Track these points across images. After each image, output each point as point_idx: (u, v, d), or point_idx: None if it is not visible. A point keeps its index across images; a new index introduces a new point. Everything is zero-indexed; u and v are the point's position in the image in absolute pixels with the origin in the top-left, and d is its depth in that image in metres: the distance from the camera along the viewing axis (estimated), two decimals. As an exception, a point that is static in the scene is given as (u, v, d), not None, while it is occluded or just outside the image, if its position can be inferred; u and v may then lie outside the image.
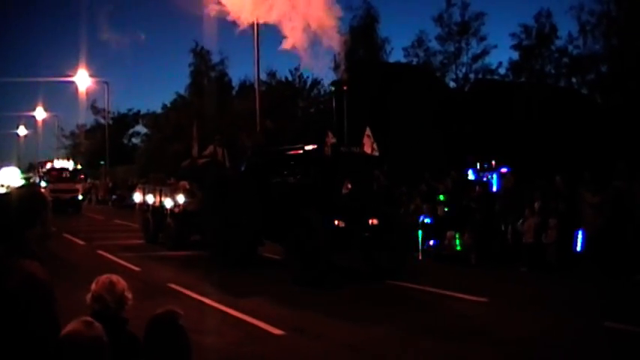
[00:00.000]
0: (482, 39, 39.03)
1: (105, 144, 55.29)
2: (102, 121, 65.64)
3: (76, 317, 3.13)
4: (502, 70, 39.04)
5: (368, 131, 15.41)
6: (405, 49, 41.04)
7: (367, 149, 15.27)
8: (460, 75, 40.04)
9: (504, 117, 28.47)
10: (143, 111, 68.55)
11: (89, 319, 3.22)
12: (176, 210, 19.74)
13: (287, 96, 42.70)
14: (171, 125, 49.44)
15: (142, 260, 16.61)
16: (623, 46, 31.07)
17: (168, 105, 55.35)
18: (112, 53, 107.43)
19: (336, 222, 13.47)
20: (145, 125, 65.63)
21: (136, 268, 15.28)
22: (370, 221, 13.96)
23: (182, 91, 53.52)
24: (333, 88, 14.90)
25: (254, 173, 16.13)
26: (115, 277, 4.15)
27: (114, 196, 48.20)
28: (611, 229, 14.17)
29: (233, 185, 16.22)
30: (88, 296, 4.06)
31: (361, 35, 41.21)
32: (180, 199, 19.63)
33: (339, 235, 13.33)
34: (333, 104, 14.44)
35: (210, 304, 11.21)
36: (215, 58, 51.94)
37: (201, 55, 51.55)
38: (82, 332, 3.09)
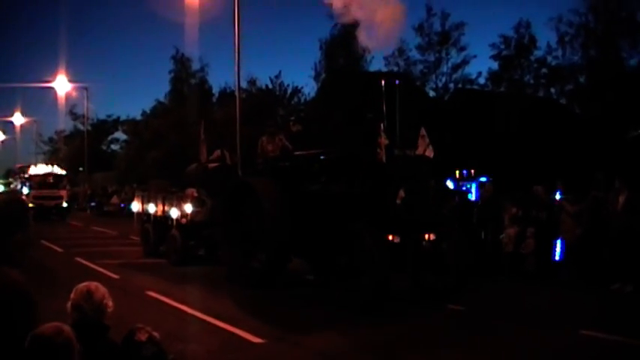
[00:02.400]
0: (462, 49, 39.23)
1: (84, 150, 54.96)
2: (81, 127, 65.37)
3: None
4: (482, 80, 39.28)
5: (423, 131, 13.57)
6: (385, 58, 41.12)
7: (421, 152, 13.42)
8: (440, 84, 40.23)
9: (484, 126, 28.64)
10: (122, 117, 68.21)
11: (59, 324, 3.21)
12: (183, 220, 17.73)
13: (267, 104, 42.67)
14: (150, 132, 49.22)
15: (121, 268, 16.51)
16: (601, 57, 31.38)
17: (148, 112, 55.18)
18: (92, 59, 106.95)
19: (390, 237, 11.66)
20: (124, 132, 65.28)
21: (115, 276, 15.17)
22: (427, 236, 12.09)
23: (162, 98, 53.39)
24: (382, 83, 12.74)
25: (281, 179, 13.99)
26: (93, 285, 4.13)
27: (92, 203, 47.88)
28: (588, 238, 14.30)
29: (255, 192, 13.89)
30: (68, 305, 4.05)
31: (342, 44, 41.30)
32: (188, 208, 17.61)
33: (394, 253, 11.42)
34: (383, 101, 12.50)
35: (190, 312, 11.16)
36: (195, 66, 51.85)
37: (181, 61, 51.43)
38: (51, 337, 3.08)
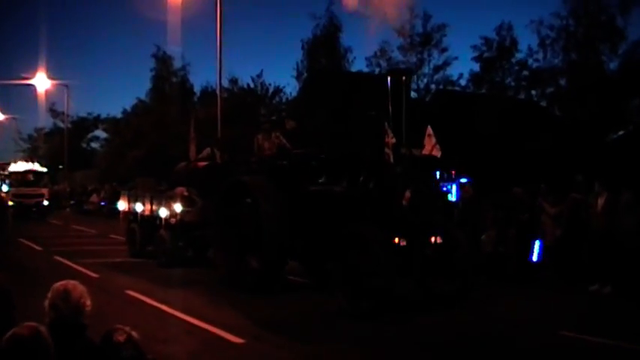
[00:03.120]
0: (444, 50, 39.28)
1: (63, 148, 54.60)
2: (61, 124, 64.91)
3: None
4: (463, 82, 39.39)
5: (429, 130, 13.31)
6: (367, 59, 41.17)
7: (428, 151, 13.22)
8: (421, 85, 40.32)
9: (464, 128, 28.71)
10: (103, 115, 67.82)
11: (35, 324, 3.19)
12: (172, 220, 17.14)
13: (249, 103, 42.60)
14: (131, 130, 48.98)
15: (100, 267, 16.39)
16: (582, 60, 31.59)
17: (129, 110, 54.90)
18: (72, 56, 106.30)
19: (396, 240, 11.21)
20: (104, 130, 64.93)
21: (94, 275, 15.08)
22: (433, 239, 11.64)
23: (143, 97, 53.12)
24: (389, 78, 12.29)
25: (278, 179, 13.46)
26: (71, 285, 4.08)
27: (72, 202, 47.56)
28: (567, 240, 14.39)
29: (251, 192, 13.41)
30: (45, 304, 4.01)
31: (324, 44, 41.31)
32: (178, 207, 16.99)
33: (400, 257, 10.93)
34: (389, 97, 12.03)
35: (169, 312, 11.12)
36: (177, 64, 51.64)
37: (162, 60, 51.19)
38: (27, 337, 3.06)
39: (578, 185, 15.12)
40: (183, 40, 74.48)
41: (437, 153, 12.91)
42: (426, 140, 13.26)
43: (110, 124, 60.40)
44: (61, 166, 56.49)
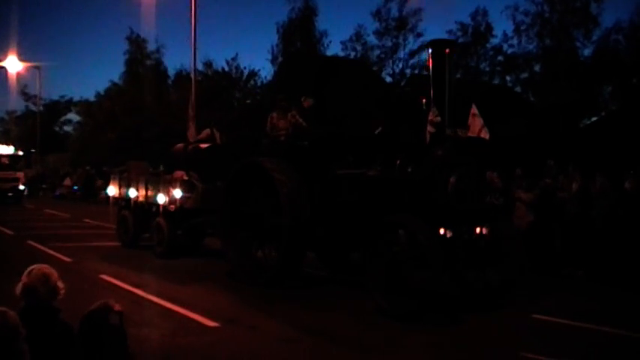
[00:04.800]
0: (420, 35, 39.30)
1: (36, 131, 54.07)
2: (33, 107, 64.27)
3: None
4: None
5: (474, 109, 11.82)
6: (342, 43, 41.12)
7: (476, 133, 11.72)
8: (397, 70, 40.37)
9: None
10: (76, 98, 67.14)
11: (4, 309, 3.18)
12: (171, 207, 15.71)
13: (223, 86, 42.42)
14: (105, 114, 48.61)
15: (73, 251, 16.24)
16: (556, 46, 31.77)
17: (102, 93, 54.46)
18: (45, 38, 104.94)
19: (441, 230, 9.87)
20: (77, 113, 64.29)
21: (67, 259, 14.95)
22: (478, 230, 10.27)
23: (116, 79, 52.70)
24: (429, 50, 11.02)
25: (297, 161, 12.19)
26: (47, 268, 4.09)
27: (44, 185, 47.16)
28: (540, 224, 14.51)
29: (269, 176, 11.99)
30: (18, 287, 3.98)
31: (299, 28, 41.18)
32: (177, 193, 15.54)
33: (446, 250, 9.65)
34: (430, 71, 10.80)
35: (143, 296, 11.07)
36: (151, 47, 51.23)
37: (136, 42, 50.73)
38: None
39: (550, 170, 15.24)
40: (158, 23, 73.92)
41: (485, 135, 11.69)
42: (471, 120, 11.84)
43: (83, 107, 59.83)
44: (33, 150, 55.96)
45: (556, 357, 7.80)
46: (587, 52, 32.53)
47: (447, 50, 10.96)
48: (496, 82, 36.58)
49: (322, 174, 11.96)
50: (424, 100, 11.17)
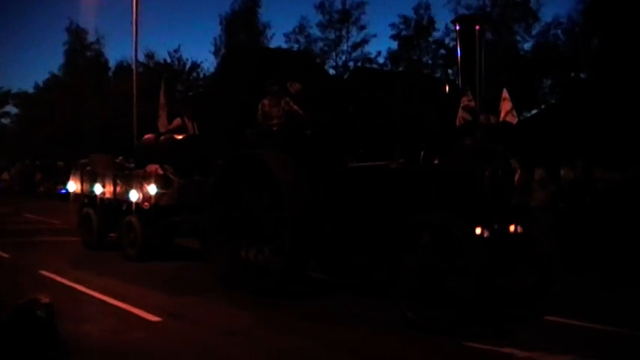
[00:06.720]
0: (363, 28, 39.60)
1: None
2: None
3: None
4: (381, 59, 39.69)
5: (505, 93, 10.91)
6: (286, 35, 41.11)
7: (502, 117, 10.77)
8: (340, 62, 40.52)
9: (383, 105, 28.90)
10: (14, 90, 65.64)
11: None
12: (145, 205, 14.22)
13: (165, 78, 42.04)
14: (44, 106, 47.72)
15: (10, 246, 15.84)
16: (497, 40, 32.26)
17: (41, 85, 53.44)
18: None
19: (477, 230, 8.72)
20: (15, 105, 62.88)
21: (4, 255, 14.63)
22: (512, 228, 9.29)
23: (56, 71, 51.75)
24: (457, 28, 9.98)
25: (298, 153, 10.81)
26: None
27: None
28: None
29: (268, 170, 10.58)
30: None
31: (242, 19, 41.04)
32: (152, 189, 14.04)
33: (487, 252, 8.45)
34: (459, 52, 9.85)
35: (84, 291, 10.87)
36: (91, 38, 50.41)
37: (76, 33, 49.84)
38: None
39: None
40: (98, 13, 72.62)
41: (512, 119, 10.75)
42: (502, 105, 10.90)
43: (21, 99, 58.60)
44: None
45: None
46: (527, 46, 33.17)
47: (478, 27, 9.78)
48: (438, 75, 36.99)
49: (329, 167, 10.68)
50: (447, 87, 10.38)
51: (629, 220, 13.16)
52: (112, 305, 9.92)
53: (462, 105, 9.44)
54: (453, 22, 10.51)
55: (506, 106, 10.82)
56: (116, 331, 8.47)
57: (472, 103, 9.41)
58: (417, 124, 10.60)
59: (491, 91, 9.55)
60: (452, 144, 9.53)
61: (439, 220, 8.56)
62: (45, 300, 3.57)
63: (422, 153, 9.62)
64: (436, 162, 9.51)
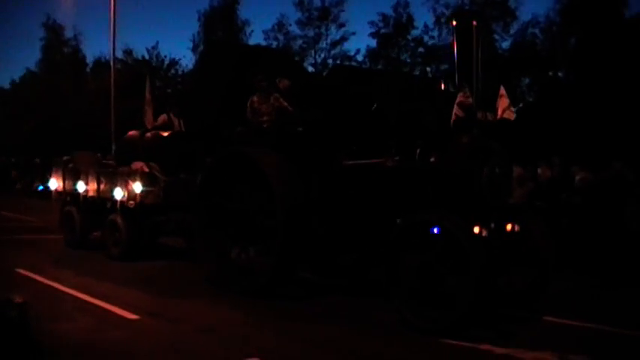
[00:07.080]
0: (342, 25, 39.71)
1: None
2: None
3: None
4: (360, 57, 39.78)
5: (502, 90, 10.98)
6: (265, 32, 41.10)
7: (500, 114, 10.80)
8: (319, 60, 40.58)
9: (362, 103, 28.93)
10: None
11: None
12: (131, 203, 13.89)
13: (143, 75, 41.90)
14: (20, 102, 47.32)
15: (-13, 244, 15.69)
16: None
17: (18, 81, 53.01)
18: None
19: (476, 229, 8.58)
20: (-10, 101, 62.30)
21: (-21, 253, 14.49)
22: (509, 227, 9.20)
23: (33, 67, 51.35)
24: (454, 23, 10.04)
25: (289, 150, 10.58)
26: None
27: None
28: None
29: (260, 170, 10.30)
30: None
31: (221, 16, 40.94)
32: (137, 187, 13.73)
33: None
34: (454, 47, 9.81)
35: (62, 289, 10.77)
36: (68, 33, 50.07)
37: (53, 29, 49.47)
38: None
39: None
40: (76, 9, 72.06)
41: (510, 116, 10.77)
42: (499, 102, 10.93)
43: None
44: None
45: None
46: (505, 44, 33.38)
47: (475, 22, 9.64)
48: (417, 73, 37.17)
49: (322, 165, 10.50)
50: (442, 84, 10.28)
51: (605, 218, 13.30)
52: (90, 304, 9.83)
53: (457, 101, 9.40)
54: (450, 18, 10.68)
55: (503, 102, 10.79)
56: (93, 329, 8.40)
57: (469, 100, 9.35)
58: (413, 121, 10.30)
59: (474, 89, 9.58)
60: (448, 141, 9.41)
61: (438, 218, 8.41)
62: (18, 300, 3.53)
63: (418, 150, 9.56)
64: (432, 160, 9.39)
